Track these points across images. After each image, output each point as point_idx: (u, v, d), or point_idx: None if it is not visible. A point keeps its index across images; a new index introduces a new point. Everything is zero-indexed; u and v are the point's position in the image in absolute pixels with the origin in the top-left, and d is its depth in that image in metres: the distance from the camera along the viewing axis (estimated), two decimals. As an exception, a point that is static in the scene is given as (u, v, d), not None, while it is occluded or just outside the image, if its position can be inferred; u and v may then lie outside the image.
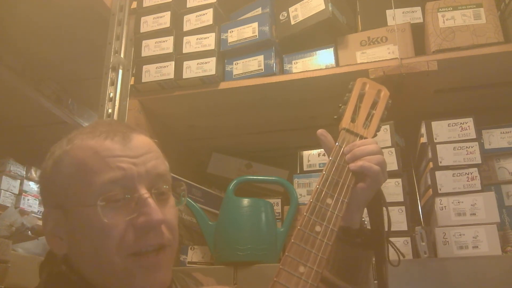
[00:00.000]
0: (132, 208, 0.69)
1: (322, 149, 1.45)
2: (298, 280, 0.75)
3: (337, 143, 0.92)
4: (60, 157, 0.72)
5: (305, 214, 0.82)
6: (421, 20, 1.44)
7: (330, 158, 0.90)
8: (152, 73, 1.51)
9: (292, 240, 0.79)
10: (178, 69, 1.48)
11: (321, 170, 1.42)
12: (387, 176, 0.92)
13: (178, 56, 1.51)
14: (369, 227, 0.97)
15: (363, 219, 0.95)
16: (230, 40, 1.50)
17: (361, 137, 0.93)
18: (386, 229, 0.94)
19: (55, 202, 0.72)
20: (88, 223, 0.68)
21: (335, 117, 0.97)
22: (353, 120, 0.95)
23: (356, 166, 0.88)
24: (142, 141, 0.74)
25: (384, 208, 0.95)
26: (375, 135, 0.96)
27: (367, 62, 1.37)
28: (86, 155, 0.70)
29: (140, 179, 0.70)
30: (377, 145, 0.91)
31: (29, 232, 2.35)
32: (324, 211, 0.83)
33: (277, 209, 1.46)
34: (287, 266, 0.76)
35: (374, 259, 0.93)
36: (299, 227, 0.80)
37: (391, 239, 1.17)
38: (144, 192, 0.69)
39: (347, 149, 0.91)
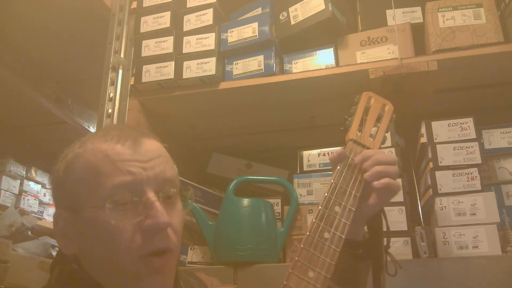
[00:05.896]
0: (140, 211, 0.70)
1: (322, 149, 1.46)
2: (307, 284, 0.77)
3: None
4: (72, 159, 0.74)
5: (314, 220, 0.84)
6: (421, 20, 1.44)
7: (338, 167, 0.92)
8: (152, 73, 1.51)
9: (302, 246, 0.81)
10: (178, 69, 1.48)
11: (321, 170, 1.45)
12: None
13: (178, 56, 1.51)
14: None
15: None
16: (230, 40, 1.50)
17: (368, 149, 0.96)
18: (385, 239, 0.96)
19: (66, 204, 0.74)
20: (97, 224, 0.69)
21: (341, 128, 1.00)
22: (359, 131, 0.98)
23: (380, 184, 0.88)
24: (152, 146, 0.75)
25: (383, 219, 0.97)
26: (380, 147, 0.98)
27: (367, 62, 1.37)
28: (97, 158, 0.71)
29: (149, 183, 0.71)
30: (394, 155, 0.92)
31: (29, 232, 2.35)
32: (332, 218, 0.85)
33: (277, 209, 1.46)
34: (297, 271, 0.78)
35: (372, 267, 0.95)
36: (308, 233, 0.83)
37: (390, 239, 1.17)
38: (151, 195, 0.70)
39: (359, 158, 0.92)
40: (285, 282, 0.77)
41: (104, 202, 0.68)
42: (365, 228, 0.98)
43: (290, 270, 0.78)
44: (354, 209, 0.87)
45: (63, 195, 0.75)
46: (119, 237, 0.68)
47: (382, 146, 1.01)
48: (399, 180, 1.27)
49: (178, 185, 0.77)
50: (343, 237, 0.83)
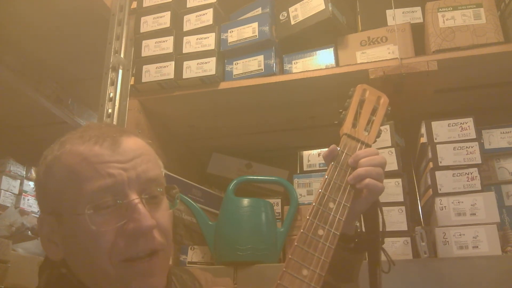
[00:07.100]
0: (123, 214, 0.68)
1: (322, 149, 1.46)
2: (301, 283, 0.76)
3: (338, 148, 0.93)
4: (51, 162, 0.72)
5: (308, 217, 0.83)
6: (421, 20, 1.44)
7: (332, 163, 0.91)
8: (152, 73, 1.51)
9: (296, 244, 0.80)
10: (178, 69, 1.48)
11: (321, 170, 1.44)
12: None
13: (178, 56, 1.51)
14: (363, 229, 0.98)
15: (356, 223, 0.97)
16: (230, 40, 1.50)
17: (362, 143, 0.94)
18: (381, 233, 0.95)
19: (49, 208, 0.72)
20: (79, 230, 0.68)
21: (336, 122, 0.98)
22: (354, 125, 0.96)
23: (362, 185, 0.88)
24: (132, 145, 0.73)
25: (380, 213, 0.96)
26: (375, 141, 0.97)
27: (367, 62, 1.37)
28: (75, 161, 0.69)
29: (131, 184, 0.69)
30: (382, 156, 0.92)
31: (29, 232, 2.34)
32: (326, 215, 0.84)
33: (277, 209, 1.46)
34: (290, 269, 0.77)
35: (368, 262, 0.94)
36: (302, 231, 0.81)
37: (390, 239, 1.17)
38: (134, 197, 0.68)
39: (351, 161, 0.91)
40: (278, 281, 0.75)
41: (84, 209, 0.66)
42: (358, 222, 0.98)
43: (284, 269, 0.77)
44: (348, 205, 0.86)
45: (45, 199, 0.73)
46: (100, 242, 0.66)
47: (383, 145, 1.00)
48: (399, 180, 1.27)
49: (163, 183, 0.75)
50: (338, 234, 0.82)
